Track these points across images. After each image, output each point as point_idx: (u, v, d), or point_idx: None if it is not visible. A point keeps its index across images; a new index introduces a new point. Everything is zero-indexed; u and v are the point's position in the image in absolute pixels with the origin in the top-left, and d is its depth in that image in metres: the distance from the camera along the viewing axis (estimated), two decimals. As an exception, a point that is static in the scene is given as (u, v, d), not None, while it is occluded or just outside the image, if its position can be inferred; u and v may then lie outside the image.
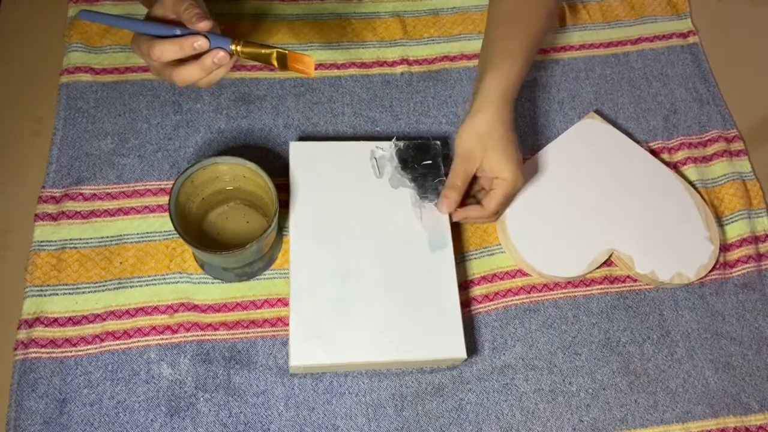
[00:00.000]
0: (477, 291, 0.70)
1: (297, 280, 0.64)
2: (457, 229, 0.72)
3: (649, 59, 0.85)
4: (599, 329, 0.69)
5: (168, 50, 0.55)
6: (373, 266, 0.65)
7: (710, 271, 0.71)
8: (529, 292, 0.70)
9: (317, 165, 0.70)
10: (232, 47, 0.56)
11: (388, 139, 0.72)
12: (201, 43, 0.55)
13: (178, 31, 0.56)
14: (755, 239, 0.74)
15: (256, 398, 0.63)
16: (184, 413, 0.62)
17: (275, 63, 0.57)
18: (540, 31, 0.70)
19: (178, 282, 0.67)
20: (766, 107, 0.84)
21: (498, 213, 0.68)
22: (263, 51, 0.57)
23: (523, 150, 0.77)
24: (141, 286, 0.67)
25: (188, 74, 0.57)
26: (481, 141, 0.65)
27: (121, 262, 0.68)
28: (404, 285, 0.64)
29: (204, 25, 0.56)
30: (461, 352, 0.62)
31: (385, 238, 0.67)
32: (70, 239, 0.68)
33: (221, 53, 0.56)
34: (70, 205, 0.69)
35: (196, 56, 0.56)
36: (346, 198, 0.68)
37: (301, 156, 0.70)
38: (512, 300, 0.69)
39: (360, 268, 0.65)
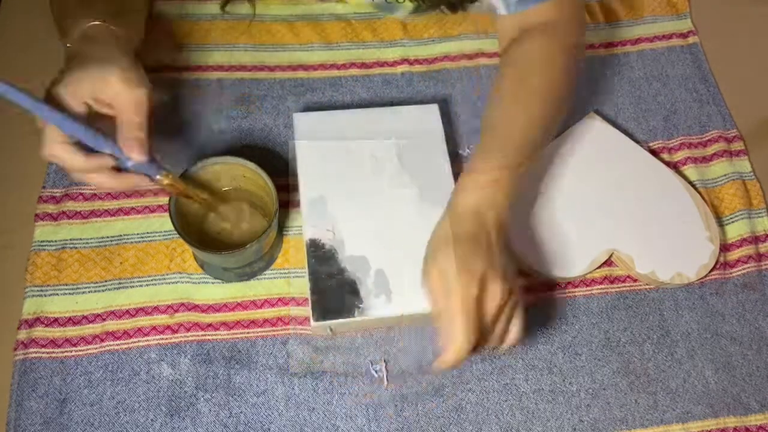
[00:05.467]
0: (477, 291, 0.69)
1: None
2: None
3: (649, 59, 0.85)
4: (599, 329, 0.69)
5: (107, 184, 0.53)
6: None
7: (710, 271, 0.71)
8: (529, 292, 0.70)
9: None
10: (159, 177, 0.56)
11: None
12: (137, 181, 0.54)
13: (108, 151, 0.52)
14: (755, 239, 0.74)
15: (256, 398, 0.63)
16: (185, 413, 0.62)
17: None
18: (516, 139, 0.62)
19: (179, 282, 0.67)
20: (766, 107, 0.84)
21: (497, 334, 0.56)
22: (191, 197, 0.59)
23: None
24: (141, 286, 0.67)
25: (103, 183, 0.54)
26: (433, 252, 0.57)
27: (121, 262, 0.68)
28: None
29: (140, 159, 0.53)
30: None
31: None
32: (71, 239, 0.68)
33: (146, 180, 0.55)
34: (70, 205, 0.69)
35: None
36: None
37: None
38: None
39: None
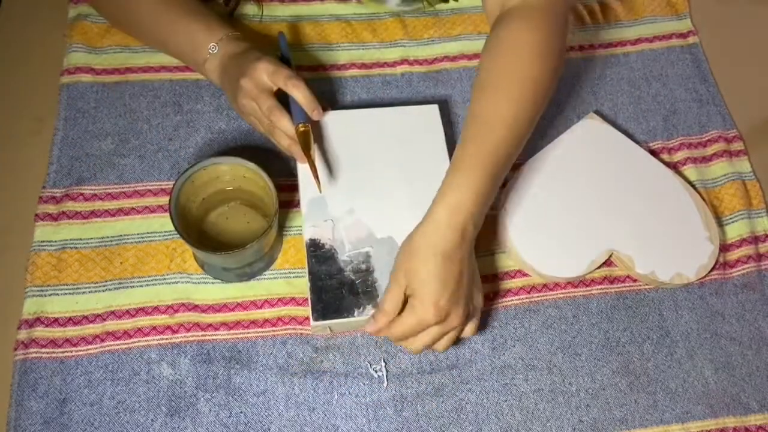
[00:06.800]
0: (477, 291, 0.70)
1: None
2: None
3: (649, 60, 0.85)
4: (599, 329, 0.69)
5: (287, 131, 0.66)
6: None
7: (710, 272, 0.71)
8: (529, 293, 0.70)
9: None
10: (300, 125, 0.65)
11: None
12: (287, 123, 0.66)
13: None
14: (755, 239, 0.74)
15: (256, 398, 0.63)
16: (185, 413, 0.62)
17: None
18: (498, 136, 0.61)
19: (179, 282, 0.67)
20: (766, 107, 0.84)
21: (413, 342, 0.59)
22: (309, 155, 0.65)
23: (522, 151, 0.78)
24: (141, 286, 0.67)
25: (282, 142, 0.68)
26: (406, 257, 0.58)
27: (121, 263, 0.68)
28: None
29: (320, 117, 0.67)
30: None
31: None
32: (71, 239, 0.68)
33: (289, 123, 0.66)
34: (70, 206, 0.69)
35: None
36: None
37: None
38: (512, 300, 0.69)
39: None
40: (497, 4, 0.68)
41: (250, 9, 0.83)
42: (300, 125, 0.65)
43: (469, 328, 0.61)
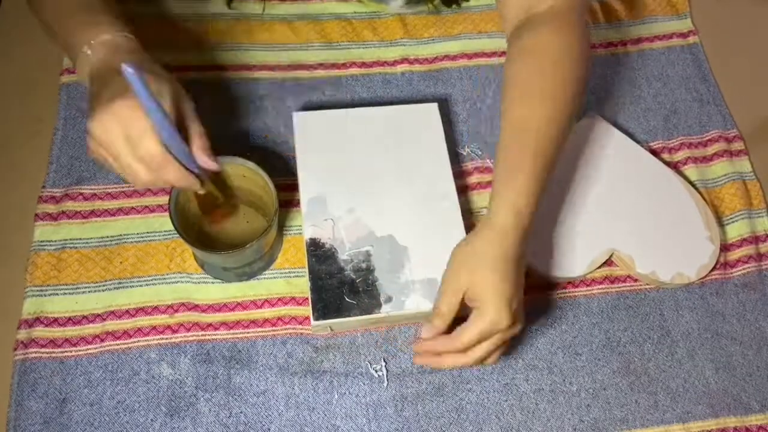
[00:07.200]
0: (477, 291, 0.69)
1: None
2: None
3: (650, 59, 0.85)
4: (599, 329, 0.69)
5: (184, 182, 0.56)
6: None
7: (711, 271, 0.71)
8: (529, 292, 0.70)
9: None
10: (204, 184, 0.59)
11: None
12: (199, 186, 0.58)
13: (182, 155, 0.54)
14: (756, 239, 0.74)
15: (256, 398, 0.63)
16: (184, 413, 0.62)
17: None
18: (550, 139, 0.61)
19: (179, 282, 0.67)
20: (766, 107, 0.84)
21: (473, 354, 0.57)
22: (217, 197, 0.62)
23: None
24: (141, 286, 0.67)
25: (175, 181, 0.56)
26: (468, 262, 0.57)
27: (121, 262, 0.68)
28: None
29: (214, 167, 0.58)
30: None
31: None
32: (71, 239, 0.68)
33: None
34: (70, 205, 0.69)
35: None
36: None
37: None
38: (512, 300, 0.69)
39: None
40: (521, 9, 0.67)
41: (250, 9, 0.83)
42: (200, 187, 0.59)
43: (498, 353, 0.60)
